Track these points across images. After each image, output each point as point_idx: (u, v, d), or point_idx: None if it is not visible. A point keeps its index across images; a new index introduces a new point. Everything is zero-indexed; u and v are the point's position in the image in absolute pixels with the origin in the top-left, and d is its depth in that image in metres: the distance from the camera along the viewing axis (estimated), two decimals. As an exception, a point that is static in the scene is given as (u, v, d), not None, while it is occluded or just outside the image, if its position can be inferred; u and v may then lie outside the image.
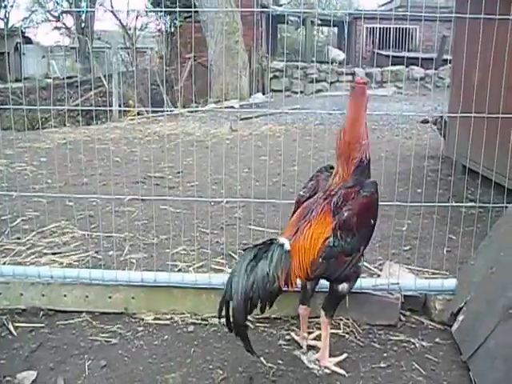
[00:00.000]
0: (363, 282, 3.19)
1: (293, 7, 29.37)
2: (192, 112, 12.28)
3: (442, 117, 7.25)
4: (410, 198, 3.59)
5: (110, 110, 11.89)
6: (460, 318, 3.00)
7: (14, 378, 2.65)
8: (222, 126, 10.66)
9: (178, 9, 3.93)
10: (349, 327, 3.14)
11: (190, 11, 14.48)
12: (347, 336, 3.06)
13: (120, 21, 18.73)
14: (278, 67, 17.90)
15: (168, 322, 3.20)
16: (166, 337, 3.05)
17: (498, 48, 3.86)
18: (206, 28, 15.68)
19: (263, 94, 16.60)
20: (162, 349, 2.94)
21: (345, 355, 2.85)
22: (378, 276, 3.50)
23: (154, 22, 21.58)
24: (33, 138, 9.11)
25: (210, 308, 3.24)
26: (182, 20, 16.77)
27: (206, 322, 3.19)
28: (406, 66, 17.35)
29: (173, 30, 19.08)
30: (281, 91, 16.67)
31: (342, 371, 2.72)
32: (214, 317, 3.21)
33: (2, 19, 32.77)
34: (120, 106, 12.75)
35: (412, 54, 19.19)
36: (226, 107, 12.86)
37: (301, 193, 2.82)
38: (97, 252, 3.95)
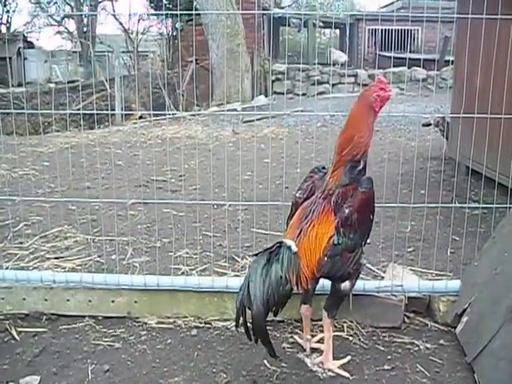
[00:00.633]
0: (367, 284, 3.18)
1: (294, 9, 29.41)
2: (194, 115, 12.29)
3: (444, 118, 7.24)
4: (414, 199, 3.57)
5: (113, 114, 11.91)
6: (464, 319, 2.98)
7: (17, 383, 2.64)
8: (224, 128, 10.66)
9: (179, 12, 3.93)
10: (352, 329, 3.13)
11: (192, 14, 14.50)
12: (351, 338, 3.05)
13: (122, 24, 18.77)
14: (280, 70, 17.91)
15: (171, 325, 3.19)
16: (170, 341, 3.04)
17: (500, 48, 3.85)
18: (207, 31, 15.70)
19: (265, 96, 16.60)
20: (165, 353, 2.93)
21: (348, 358, 2.84)
22: (382, 278, 3.49)
23: (155, 25, 21.62)
24: (35, 142, 9.12)
25: (214, 311, 3.24)
26: (183, 23, 16.78)
27: (210, 326, 3.18)
28: (409, 68, 17.33)
29: (175, 33, 19.12)
30: (283, 93, 16.68)
31: (345, 374, 2.71)
32: (218, 320, 3.21)
33: (5, 24, 32.92)
34: (122, 109, 12.75)
35: (414, 55, 19.16)
36: (228, 110, 12.84)
37: (297, 195, 2.82)
38: (99, 256, 3.94)
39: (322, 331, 3.01)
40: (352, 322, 3.18)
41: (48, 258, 3.93)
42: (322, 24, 20.70)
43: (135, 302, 3.28)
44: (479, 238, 3.59)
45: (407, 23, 18.78)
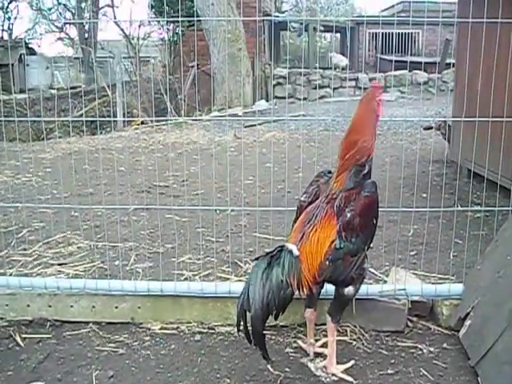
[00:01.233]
0: (370, 289, 3.18)
1: (295, 14, 29.45)
2: (196, 120, 12.31)
3: (445, 121, 7.24)
4: (416, 202, 3.58)
5: (115, 120, 11.93)
6: (467, 322, 2.98)
7: (21, 389, 2.65)
8: (226, 133, 10.67)
9: (180, 18, 3.95)
10: (356, 334, 3.13)
11: (193, 20, 14.52)
12: (354, 343, 3.05)
13: (123, 30, 18.79)
14: (282, 74, 17.91)
15: (175, 331, 3.20)
16: (173, 346, 3.04)
17: (501, 51, 3.86)
18: (208, 36, 15.72)
19: (267, 101, 16.61)
20: (168, 358, 2.93)
21: (352, 362, 2.84)
22: (385, 282, 3.49)
23: (156, 31, 21.64)
24: (38, 148, 9.15)
25: (217, 317, 3.24)
26: (184, 29, 16.80)
27: (213, 331, 3.19)
28: (410, 71, 17.34)
29: (176, 38, 19.14)
30: (284, 98, 16.68)
31: (349, 378, 2.71)
32: (221, 325, 3.21)
33: (6, 31, 33.02)
34: (124, 115, 12.79)
35: (415, 59, 19.16)
36: (229, 115, 12.87)
37: (302, 198, 2.83)
38: (103, 262, 3.94)
39: (325, 336, 3.02)
40: (355, 326, 3.18)
41: (51, 265, 3.93)
42: (322, 28, 20.69)
43: (139, 307, 3.28)
44: (482, 242, 3.60)
45: (408, 26, 18.79)
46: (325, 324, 2.96)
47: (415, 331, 3.17)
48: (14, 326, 3.22)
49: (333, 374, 2.74)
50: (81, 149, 9.14)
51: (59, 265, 3.93)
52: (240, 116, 11.48)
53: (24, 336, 3.13)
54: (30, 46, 30.99)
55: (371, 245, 2.79)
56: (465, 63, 5.55)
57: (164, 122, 11.63)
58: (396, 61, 17.27)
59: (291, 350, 2.99)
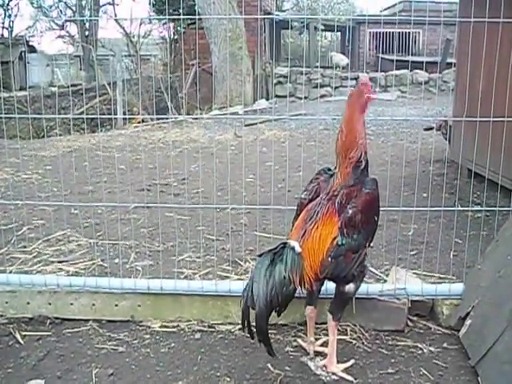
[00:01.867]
0: (370, 288, 3.18)
1: (296, 13, 29.43)
2: (196, 119, 12.31)
3: (446, 121, 7.23)
4: (416, 202, 3.58)
5: (115, 118, 11.92)
6: (468, 322, 2.98)
7: (21, 387, 2.65)
8: (226, 132, 10.66)
9: (181, 16, 3.94)
10: (356, 333, 3.13)
11: (194, 18, 14.53)
12: (354, 342, 3.05)
13: (123, 28, 18.77)
14: (282, 73, 17.92)
15: (175, 329, 3.19)
16: (173, 344, 3.04)
17: (502, 51, 3.85)
18: (209, 35, 15.72)
19: (267, 99, 16.60)
20: (168, 356, 2.93)
21: (352, 361, 2.84)
22: (385, 281, 3.48)
23: (157, 29, 21.64)
24: (38, 146, 9.14)
25: (217, 315, 3.24)
26: (185, 27, 16.79)
27: (213, 329, 3.18)
28: (410, 70, 17.33)
29: (176, 36, 19.14)
30: (285, 97, 16.66)
31: (349, 377, 2.71)
32: (221, 324, 3.21)
33: (7, 28, 33.00)
34: (124, 113, 12.78)
35: (416, 58, 19.17)
36: (230, 113, 12.87)
37: (302, 196, 2.83)
38: (103, 260, 3.94)
39: (325, 335, 3.02)
40: (355, 325, 3.17)
41: (52, 262, 3.93)
42: (323, 27, 20.71)
43: (138, 305, 3.28)
44: (482, 241, 3.59)
45: (409, 26, 18.81)
46: (325, 323, 2.96)
47: (415, 331, 3.17)
48: (14, 324, 3.22)
49: (333, 373, 2.73)
50: (81, 147, 9.13)
51: (59, 262, 3.93)
52: (240, 115, 11.48)
53: (24, 333, 3.13)
54: (30, 43, 30.99)
55: (372, 243, 2.79)
56: (466, 63, 5.54)
57: (164, 121, 11.62)
58: (397, 60, 17.24)
59: (291, 349, 2.99)
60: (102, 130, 11.71)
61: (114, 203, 4.73)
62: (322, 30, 23.20)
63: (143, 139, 10.11)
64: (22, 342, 3.05)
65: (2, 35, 32.09)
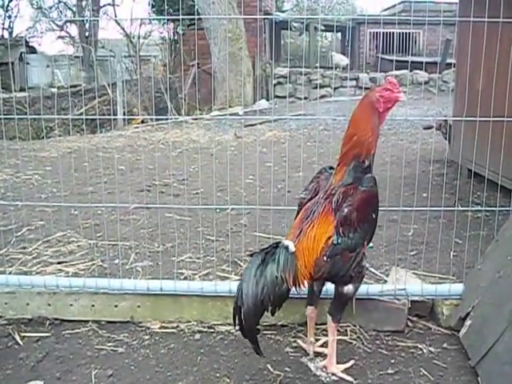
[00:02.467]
0: (370, 288, 3.17)
1: (296, 13, 29.43)
2: (196, 119, 12.31)
3: (446, 121, 7.23)
4: (416, 202, 3.57)
5: (115, 119, 11.93)
6: (468, 322, 2.98)
7: (20, 388, 2.65)
8: (226, 133, 10.67)
9: (181, 16, 3.94)
10: (356, 333, 3.12)
11: (194, 18, 14.52)
12: (354, 342, 3.05)
13: (124, 29, 18.77)
14: (282, 73, 17.89)
15: (174, 330, 3.19)
16: (173, 345, 3.04)
17: (502, 51, 3.85)
18: (209, 35, 15.72)
19: (267, 100, 16.60)
20: (168, 357, 2.93)
21: (352, 362, 2.84)
22: (385, 282, 3.48)
23: (157, 29, 21.64)
24: (38, 147, 9.14)
25: (217, 316, 3.24)
26: (185, 27, 16.80)
27: (213, 330, 3.18)
28: (410, 71, 17.33)
29: (176, 37, 19.14)
30: (285, 97, 16.67)
31: (349, 378, 2.71)
32: (221, 324, 3.21)
33: (7, 29, 33.00)
34: (124, 114, 12.78)
35: (416, 59, 19.15)
36: (230, 114, 12.86)
37: (302, 195, 2.83)
38: (102, 261, 3.94)
39: (325, 335, 3.02)
40: (355, 325, 3.17)
41: (51, 263, 3.93)
42: (323, 27, 20.70)
43: (138, 306, 3.28)
44: (482, 242, 3.59)
45: (409, 26, 18.81)
46: (325, 323, 2.96)
47: (415, 331, 3.16)
48: (13, 325, 3.22)
49: (333, 374, 2.73)
50: (81, 147, 9.13)
51: (59, 263, 3.93)
52: (240, 115, 11.48)
53: (23, 335, 3.13)
54: (30, 44, 30.98)
55: (371, 244, 2.78)
56: (465, 63, 5.54)
57: (164, 121, 11.62)
58: (397, 60, 17.26)
59: (291, 350, 2.98)
60: (101, 131, 11.71)
61: (114, 204, 4.73)
62: (322, 31, 23.22)
63: (143, 140, 10.11)
64: (21, 343, 3.04)
65: (2, 36, 32.07)
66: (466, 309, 3.03)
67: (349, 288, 2.67)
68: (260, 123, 11.91)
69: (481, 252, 3.43)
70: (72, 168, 6.38)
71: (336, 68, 18.65)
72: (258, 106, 14.57)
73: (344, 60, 18.95)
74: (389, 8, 27.69)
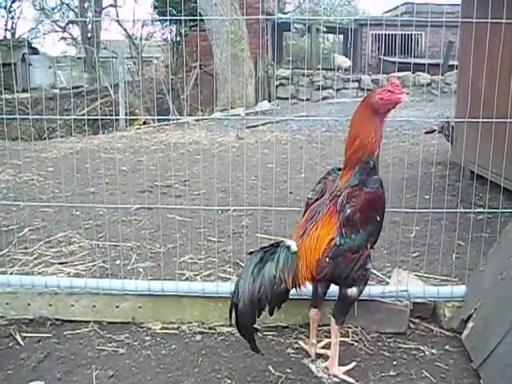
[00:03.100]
0: (372, 290, 3.16)
1: (298, 15, 29.44)
2: (198, 120, 12.30)
3: (448, 122, 7.23)
4: (418, 204, 3.56)
5: (117, 120, 11.94)
6: (470, 324, 2.97)
7: (21, 388, 2.64)
8: (228, 134, 10.66)
9: (183, 17, 3.94)
10: (357, 335, 3.12)
11: (196, 20, 14.53)
12: (356, 344, 3.04)
13: (126, 30, 18.80)
14: (284, 75, 17.90)
15: (175, 331, 3.19)
16: (174, 346, 3.03)
17: (505, 52, 3.84)
18: (211, 36, 15.72)
19: (269, 101, 16.60)
20: (169, 358, 2.92)
21: (354, 363, 2.83)
22: (387, 283, 3.47)
23: (159, 31, 21.65)
24: (40, 148, 9.15)
25: (218, 317, 3.23)
26: (187, 29, 16.81)
27: (214, 331, 3.17)
28: (412, 72, 17.32)
29: (178, 38, 19.14)
30: (287, 99, 16.66)
31: (351, 380, 2.70)
32: (222, 325, 3.20)
33: (9, 30, 33.03)
34: (126, 115, 12.79)
35: (418, 60, 19.16)
36: (232, 115, 12.86)
37: (309, 196, 2.82)
38: (104, 261, 3.94)
39: (327, 337, 3.01)
40: (357, 327, 3.17)
41: (52, 263, 3.93)
42: (325, 29, 20.72)
43: (139, 307, 3.27)
44: (484, 243, 3.58)
45: (411, 28, 18.78)
46: (326, 325, 2.95)
47: (417, 333, 3.15)
48: (15, 325, 3.21)
49: (334, 376, 2.72)
50: (83, 148, 9.13)
51: (60, 264, 3.93)
52: (242, 116, 11.47)
53: (24, 335, 3.12)
54: (32, 45, 31.03)
55: (375, 244, 2.76)
56: (468, 65, 5.53)
57: (166, 122, 11.62)
58: (399, 62, 17.23)
59: (293, 351, 2.98)
60: (103, 132, 11.71)
61: (116, 205, 4.72)
62: (324, 32, 23.21)
63: (145, 141, 10.11)
64: (22, 344, 3.04)
65: (5, 37, 32.10)
66: (469, 311, 3.02)
67: (353, 291, 2.65)
68: (262, 124, 11.90)
69: (483, 254, 3.42)
70: (74, 169, 6.38)
71: (338, 70, 18.66)
72: (260, 108, 14.57)
73: (346, 62, 18.96)
74: (391, 10, 27.68)
